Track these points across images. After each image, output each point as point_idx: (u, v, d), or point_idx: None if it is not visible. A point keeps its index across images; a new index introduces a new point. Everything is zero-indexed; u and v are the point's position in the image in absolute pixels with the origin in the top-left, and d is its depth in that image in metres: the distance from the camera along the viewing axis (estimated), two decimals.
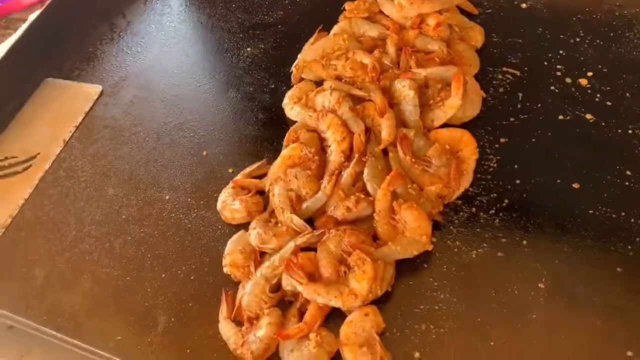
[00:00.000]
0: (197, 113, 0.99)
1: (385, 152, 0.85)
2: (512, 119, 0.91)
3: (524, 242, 0.77)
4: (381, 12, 1.06)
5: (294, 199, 0.81)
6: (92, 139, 0.99)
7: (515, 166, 0.85)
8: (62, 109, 1.04)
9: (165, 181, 0.91)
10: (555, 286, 0.73)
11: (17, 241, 0.87)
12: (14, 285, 0.83)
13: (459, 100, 0.87)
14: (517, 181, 0.84)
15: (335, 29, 1.04)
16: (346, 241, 0.74)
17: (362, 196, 0.79)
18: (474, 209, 0.82)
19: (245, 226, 0.83)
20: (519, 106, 0.92)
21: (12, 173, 0.96)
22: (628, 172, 0.82)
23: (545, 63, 0.97)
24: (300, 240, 0.75)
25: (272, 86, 1.02)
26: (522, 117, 0.91)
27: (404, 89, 0.89)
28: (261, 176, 0.88)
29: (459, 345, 0.70)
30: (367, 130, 0.87)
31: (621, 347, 0.68)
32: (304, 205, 0.80)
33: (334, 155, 0.84)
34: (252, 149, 0.93)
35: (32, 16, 1.20)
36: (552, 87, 0.94)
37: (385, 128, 0.85)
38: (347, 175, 0.81)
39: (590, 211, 0.79)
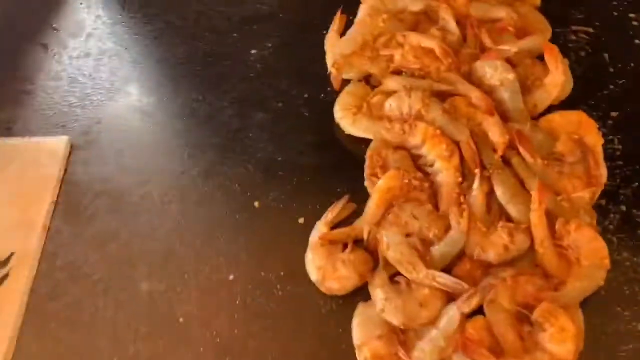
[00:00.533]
0: (224, 150, 0.75)
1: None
2: (611, 87, 0.77)
3: None
4: None
5: (419, 245, 0.61)
6: (86, 215, 0.71)
7: None
8: (22, 179, 0.74)
9: (217, 256, 0.66)
10: None
11: None
12: None
13: (562, 75, 0.72)
14: None
15: (365, 8, 0.82)
16: (523, 292, 0.56)
17: (512, 225, 0.61)
18: (623, 207, 0.67)
19: (354, 294, 0.63)
20: (611, 70, 0.79)
21: None
22: None
23: (615, 13, 0.84)
24: (467, 306, 0.56)
25: (306, 95, 0.79)
26: (620, 82, 0.77)
27: (498, 73, 0.71)
28: (345, 219, 0.67)
29: None
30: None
31: None
32: (436, 252, 0.61)
33: (445, 176, 0.65)
34: (316, 185, 0.71)
35: None
36: (637, 40, 0.81)
37: (494, 127, 0.67)
38: (477, 200, 0.63)
39: None
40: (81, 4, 0.91)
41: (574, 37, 0.82)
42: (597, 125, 0.71)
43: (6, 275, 0.67)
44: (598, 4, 0.85)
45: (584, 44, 0.81)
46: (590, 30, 0.82)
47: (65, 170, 0.74)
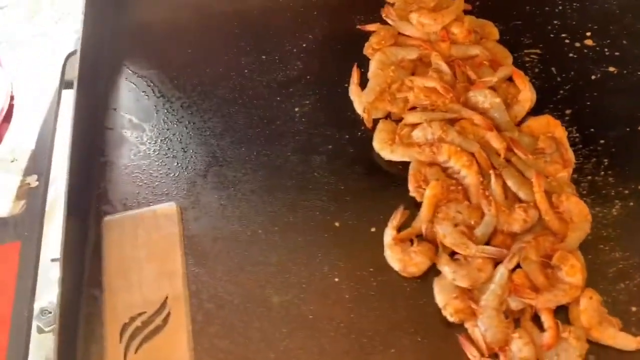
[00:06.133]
0: (298, 189, 0.98)
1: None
2: (561, 92, 1.06)
3: None
4: (399, 34, 1.12)
5: (465, 231, 0.88)
6: (213, 258, 0.93)
7: (592, 130, 1.02)
8: (151, 241, 0.95)
9: (321, 266, 0.91)
10: None
11: None
12: None
13: (530, 92, 1.00)
14: (602, 141, 1.00)
15: (375, 63, 1.08)
16: (543, 248, 0.84)
17: (525, 205, 0.89)
18: (589, 177, 0.96)
19: (426, 274, 0.89)
20: (559, 79, 1.08)
21: (154, 330, 0.87)
22: None
23: (552, 35, 1.14)
24: (511, 264, 0.83)
25: (347, 136, 1.04)
26: (567, 87, 1.07)
27: (488, 98, 0.99)
28: (404, 223, 0.93)
29: None
30: None
31: None
32: (478, 233, 0.88)
33: (470, 178, 0.92)
34: (375, 202, 0.96)
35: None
36: (571, 54, 1.11)
37: (495, 138, 0.95)
38: (497, 192, 0.90)
39: None
40: (144, 91, 1.12)
41: (528, 59, 1.11)
42: (560, 122, 1.01)
43: (168, 314, 0.88)
44: (538, 30, 1.14)
45: (536, 63, 1.10)
46: (538, 51, 1.12)
47: (184, 228, 0.96)
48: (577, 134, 1.01)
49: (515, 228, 0.87)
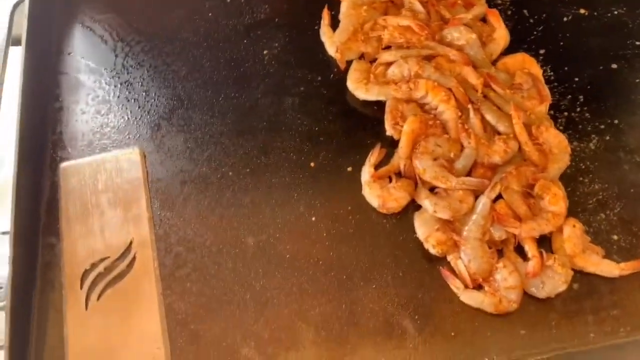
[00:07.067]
0: (270, 131, 0.94)
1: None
2: (535, 33, 1.05)
3: (615, 121, 0.95)
4: None
5: (445, 164, 0.85)
6: (181, 201, 0.87)
7: (566, 68, 1.00)
8: (113, 186, 0.88)
9: (297, 206, 0.86)
10: None
11: (200, 344, 0.76)
12: None
13: (504, 30, 0.99)
14: (576, 78, 0.99)
15: (346, 4, 1.04)
16: (525, 177, 0.82)
17: (504, 136, 0.86)
18: (565, 113, 0.95)
19: (405, 210, 0.85)
20: (531, 21, 1.07)
21: (119, 276, 0.81)
22: (637, 42, 1.04)
23: None
24: (493, 194, 0.81)
25: (319, 78, 1.00)
26: (540, 28, 1.05)
27: (464, 35, 0.96)
28: (381, 161, 0.90)
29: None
30: None
31: None
32: (459, 166, 0.85)
33: (449, 113, 0.90)
34: (351, 142, 0.93)
35: None
36: None
37: (471, 74, 0.93)
38: (476, 125, 0.88)
39: (637, 80, 0.99)
40: (101, 36, 1.05)
41: (500, 1, 1.09)
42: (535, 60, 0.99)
43: (133, 258, 0.82)
44: None
45: (508, 6, 1.09)
46: None
47: (148, 173, 0.90)
48: (552, 73, 1.00)
49: (495, 159, 0.85)
